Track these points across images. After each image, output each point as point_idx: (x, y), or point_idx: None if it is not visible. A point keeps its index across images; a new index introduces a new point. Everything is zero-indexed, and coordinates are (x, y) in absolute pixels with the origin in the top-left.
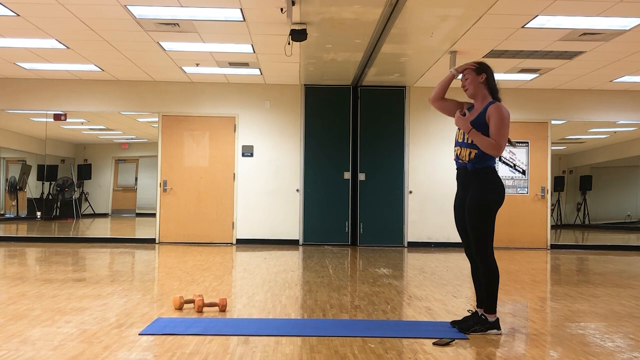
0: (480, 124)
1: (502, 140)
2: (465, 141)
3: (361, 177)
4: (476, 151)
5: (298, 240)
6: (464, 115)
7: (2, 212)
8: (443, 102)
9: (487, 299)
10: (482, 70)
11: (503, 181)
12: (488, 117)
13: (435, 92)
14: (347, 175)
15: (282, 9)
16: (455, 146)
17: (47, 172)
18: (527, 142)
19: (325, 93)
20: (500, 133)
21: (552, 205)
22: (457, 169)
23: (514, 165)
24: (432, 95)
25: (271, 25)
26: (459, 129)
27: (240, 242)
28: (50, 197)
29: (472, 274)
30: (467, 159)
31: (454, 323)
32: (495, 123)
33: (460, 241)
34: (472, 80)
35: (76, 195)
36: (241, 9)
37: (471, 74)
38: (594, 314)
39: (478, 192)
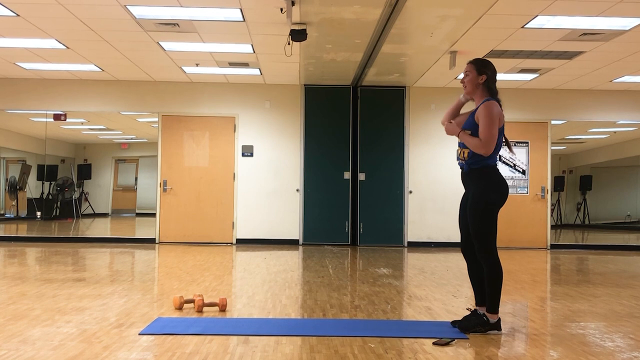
0: (471, 123)
1: (489, 139)
2: (461, 141)
3: (361, 177)
4: (468, 150)
5: (298, 240)
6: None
7: (2, 212)
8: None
9: (490, 299)
10: (483, 71)
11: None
12: (477, 117)
13: (445, 116)
14: (347, 175)
15: (282, 9)
16: (457, 147)
17: (47, 172)
18: (527, 142)
19: (325, 93)
20: (486, 131)
21: (552, 205)
22: (460, 169)
23: (514, 165)
24: (443, 119)
25: (271, 25)
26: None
27: (240, 242)
28: (50, 197)
29: (468, 273)
30: (463, 159)
31: (454, 323)
32: (483, 121)
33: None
34: (472, 80)
35: (76, 195)
36: (241, 9)
37: (472, 72)
38: (594, 313)
39: (478, 192)
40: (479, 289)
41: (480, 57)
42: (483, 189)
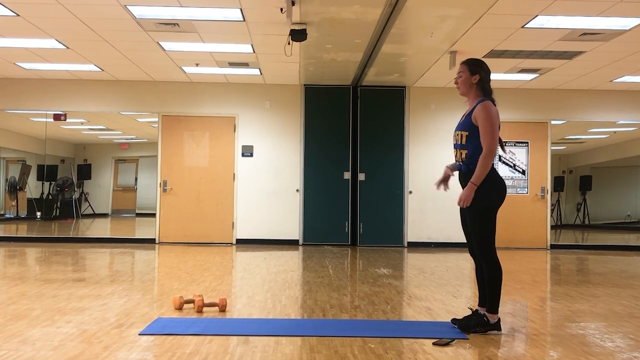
0: (468, 124)
1: (492, 143)
2: (457, 142)
3: (361, 177)
4: (466, 151)
5: (298, 240)
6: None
7: (2, 212)
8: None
9: (490, 299)
10: (476, 71)
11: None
12: (474, 118)
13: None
14: (347, 175)
15: (282, 9)
16: (453, 149)
17: (47, 172)
18: (527, 142)
19: (325, 93)
20: (489, 137)
21: (552, 205)
22: (457, 170)
23: (514, 165)
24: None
25: (271, 25)
26: (455, 130)
27: (240, 242)
28: (50, 197)
29: (476, 273)
30: (460, 160)
31: (455, 321)
32: (483, 124)
33: (461, 241)
34: (465, 80)
35: (76, 195)
36: (241, 9)
37: (465, 73)
38: (594, 314)
39: (477, 193)
40: (483, 290)
41: (476, 57)
42: (482, 189)
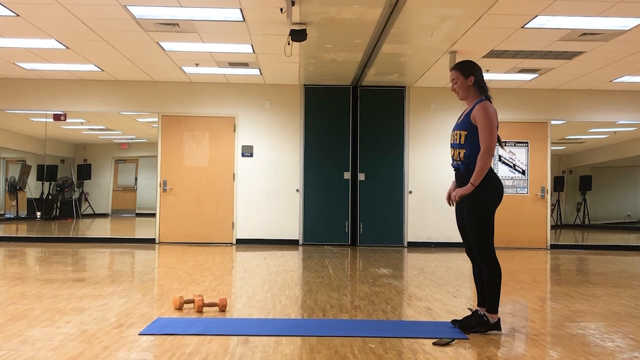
0: (467, 123)
1: (491, 144)
2: (455, 142)
3: (361, 177)
4: (464, 151)
5: (298, 240)
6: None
7: (2, 212)
8: None
9: (490, 299)
10: (469, 74)
11: (502, 180)
12: (474, 118)
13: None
14: (347, 175)
15: (282, 9)
16: (450, 148)
17: (47, 172)
18: (527, 142)
19: (325, 93)
20: (487, 136)
21: (552, 205)
22: (454, 170)
23: (514, 165)
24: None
25: (271, 25)
26: (453, 130)
27: (240, 242)
28: (50, 197)
29: (473, 274)
30: (458, 160)
31: (455, 322)
32: (482, 125)
33: (461, 241)
34: (462, 85)
35: (76, 195)
36: (241, 9)
37: (460, 78)
38: (594, 314)
39: (475, 193)
40: (482, 290)
41: (465, 59)
42: (479, 189)
